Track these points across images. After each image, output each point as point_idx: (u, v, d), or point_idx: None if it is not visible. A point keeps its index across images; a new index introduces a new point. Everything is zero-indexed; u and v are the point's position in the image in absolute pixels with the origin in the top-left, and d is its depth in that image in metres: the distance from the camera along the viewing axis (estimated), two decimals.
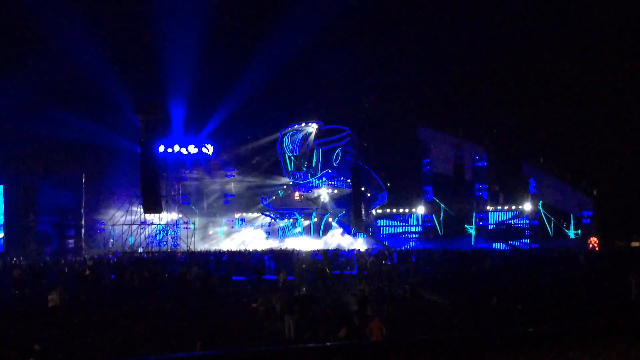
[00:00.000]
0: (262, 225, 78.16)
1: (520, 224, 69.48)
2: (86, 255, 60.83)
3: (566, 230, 68.22)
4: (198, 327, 23.82)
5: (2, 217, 65.42)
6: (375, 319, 19.33)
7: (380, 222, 75.40)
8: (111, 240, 71.33)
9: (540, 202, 68.50)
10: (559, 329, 3.34)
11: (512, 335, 3.45)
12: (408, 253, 53.66)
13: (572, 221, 68.19)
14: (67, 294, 27.28)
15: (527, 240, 67.56)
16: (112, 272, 45.26)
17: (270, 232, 76.95)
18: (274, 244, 70.19)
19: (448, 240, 66.85)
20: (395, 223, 75.24)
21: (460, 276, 41.79)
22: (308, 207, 74.64)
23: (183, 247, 69.52)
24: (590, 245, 61.89)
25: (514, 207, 70.28)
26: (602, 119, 62.96)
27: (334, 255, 52.77)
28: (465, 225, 71.47)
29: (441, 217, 72.53)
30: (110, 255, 58.42)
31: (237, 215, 78.94)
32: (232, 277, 42.03)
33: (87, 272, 40.07)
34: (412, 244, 70.43)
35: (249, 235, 76.87)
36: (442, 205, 72.37)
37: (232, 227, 78.56)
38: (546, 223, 68.81)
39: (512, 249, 64.20)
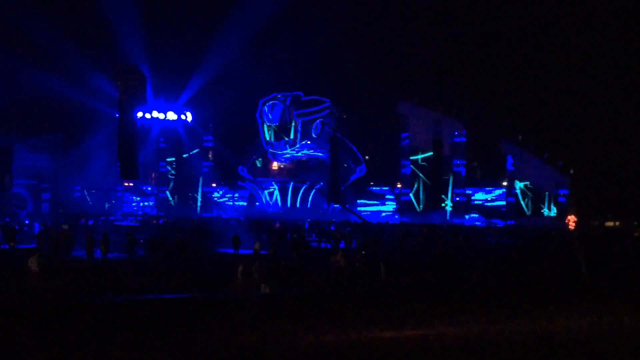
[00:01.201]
0: (239, 194, 77.97)
1: (496, 200, 69.68)
2: (60, 220, 60.49)
3: (543, 208, 68.60)
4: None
5: None
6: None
7: (357, 195, 75.25)
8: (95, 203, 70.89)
9: (517, 179, 68.78)
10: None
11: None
12: (381, 228, 53.83)
13: (547, 200, 68.55)
14: (44, 259, 26.82)
15: (503, 217, 67.75)
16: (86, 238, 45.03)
17: (248, 201, 76.84)
18: (250, 213, 70.07)
19: (424, 215, 67.05)
20: (372, 196, 75.14)
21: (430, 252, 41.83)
22: (286, 178, 74.59)
23: (160, 214, 69.30)
24: (569, 224, 62.30)
25: (490, 184, 70.47)
26: (581, 99, 63.23)
27: (310, 227, 52.90)
28: (442, 199, 71.52)
29: (420, 192, 72.57)
30: (84, 220, 58.09)
31: (215, 184, 78.66)
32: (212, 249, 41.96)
33: (61, 237, 39.89)
34: (384, 214, 70.59)
35: (225, 204, 76.74)
36: (420, 178, 72.37)
37: (210, 194, 78.31)
38: (521, 201, 69.17)
39: (487, 225, 64.41)
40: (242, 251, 38.46)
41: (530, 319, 3.23)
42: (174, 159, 78.79)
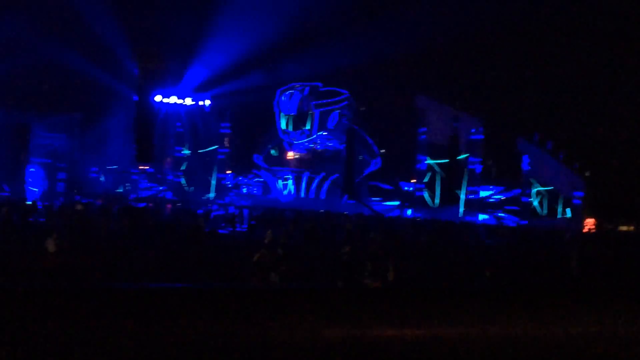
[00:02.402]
0: (254, 182, 78.10)
1: (510, 199, 69.34)
2: (76, 199, 60.83)
3: (558, 210, 68.27)
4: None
5: None
6: None
7: (372, 188, 75.07)
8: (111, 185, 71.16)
9: (532, 179, 68.46)
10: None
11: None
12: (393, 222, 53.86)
13: (561, 201, 68.18)
14: (62, 240, 26.41)
15: (516, 217, 67.46)
16: (101, 218, 45.27)
17: (263, 190, 76.96)
18: (264, 202, 70.25)
19: (438, 211, 66.93)
20: (386, 189, 74.95)
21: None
22: (301, 168, 74.65)
23: (174, 198, 69.57)
24: (587, 227, 62.17)
25: (505, 183, 70.11)
26: (601, 100, 62.88)
27: (325, 217, 52.95)
28: (457, 195, 71.24)
29: (436, 187, 72.38)
30: (100, 201, 58.40)
31: (230, 171, 78.76)
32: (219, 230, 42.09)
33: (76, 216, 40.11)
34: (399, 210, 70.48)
35: (240, 192, 76.93)
36: (436, 174, 72.19)
37: (224, 181, 78.47)
38: (535, 201, 68.92)
39: (499, 224, 64.22)
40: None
41: (536, 319, 3.24)
42: (189, 144, 79.01)
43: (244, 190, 77.73)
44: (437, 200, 71.76)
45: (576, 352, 3.21)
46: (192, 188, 76.56)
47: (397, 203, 72.95)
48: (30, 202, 48.88)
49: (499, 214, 67.82)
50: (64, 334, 2.89)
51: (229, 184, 78.20)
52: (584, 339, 3.27)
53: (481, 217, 67.44)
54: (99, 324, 2.96)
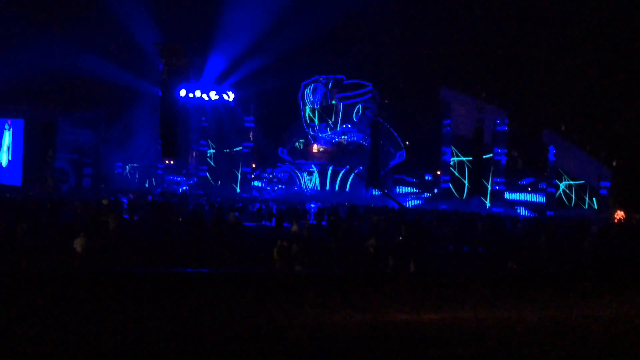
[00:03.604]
0: (279, 175, 78.24)
1: (537, 191, 68.85)
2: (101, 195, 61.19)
3: (585, 200, 67.70)
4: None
5: (15, 151, 66.00)
6: None
7: (397, 180, 74.88)
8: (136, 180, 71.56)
9: (558, 170, 67.95)
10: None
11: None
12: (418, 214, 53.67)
13: (587, 191, 67.61)
14: (91, 241, 25.70)
15: (543, 208, 67.02)
16: (126, 213, 45.56)
17: (287, 183, 77.08)
18: (289, 195, 70.34)
19: (465, 203, 66.70)
20: (411, 182, 74.76)
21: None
22: (325, 161, 74.67)
23: (199, 192, 69.81)
24: (617, 218, 61.65)
25: (531, 174, 69.60)
26: (626, 90, 62.29)
27: (349, 210, 52.85)
28: (483, 186, 70.91)
29: (461, 179, 72.10)
30: (129, 196, 58.64)
31: (254, 165, 78.93)
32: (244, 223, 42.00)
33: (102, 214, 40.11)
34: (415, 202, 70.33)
35: (265, 185, 77.16)
36: (463, 163, 71.89)
37: (249, 175, 78.67)
38: (562, 192, 68.40)
39: (525, 214, 63.91)
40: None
41: (545, 306, 3.22)
42: (214, 138, 79.33)
43: (269, 184, 77.93)
44: (464, 192, 71.45)
45: (582, 335, 3.20)
46: (218, 182, 76.83)
47: (422, 195, 72.83)
48: (57, 199, 49.03)
49: (525, 205, 67.45)
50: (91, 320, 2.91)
51: (254, 178, 78.41)
52: (591, 322, 3.26)
53: (507, 208, 67.10)
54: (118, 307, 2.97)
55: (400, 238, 35.06)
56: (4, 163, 66.78)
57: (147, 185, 72.31)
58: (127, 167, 73.16)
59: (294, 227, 37.03)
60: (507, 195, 69.33)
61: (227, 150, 79.34)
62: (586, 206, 66.76)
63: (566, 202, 67.90)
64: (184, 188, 73.30)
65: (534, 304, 2.91)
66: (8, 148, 66.59)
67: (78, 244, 23.86)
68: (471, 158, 70.40)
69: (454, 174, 71.80)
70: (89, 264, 23.64)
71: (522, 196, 68.85)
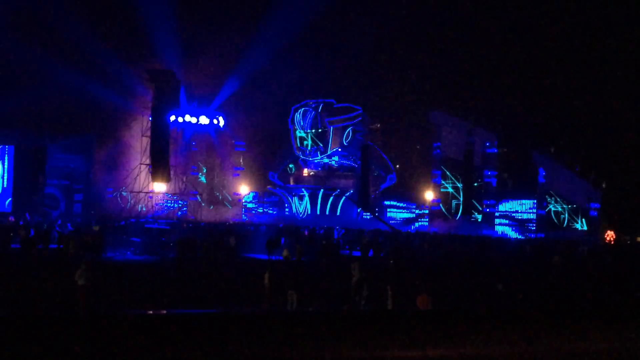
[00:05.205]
0: (269, 200, 78.31)
1: (527, 212, 69.05)
2: (92, 221, 61.01)
3: (575, 222, 67.89)
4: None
5: (7, 177, 65.75)
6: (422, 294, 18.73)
7: (387, 203, 74.98)
8: (127, 205, 71.26)
9: (548, 192, 68.19)
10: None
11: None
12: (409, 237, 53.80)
13: (577, 213, 67.81)
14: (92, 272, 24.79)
15: (533, 229, 67.22)
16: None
17: (277, 208, 77.11)
18: (280, 219, 70.24)
19: (456, 225, 66.77)
20: (402, 205, 74.86)
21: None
22: (316, 185, 74.73)
23: (190, 217, 69.70)
24: (608, 239, 61.89)
25: (522, 196, 69.82)
26: (614, 111, 62.76)
27: (341, 234, 52.90)
28: (472, 212, 71.28)
29: (450, 202, 72.37)
30: (117, 222, 58.45)
31: (245, 190, 78.86)
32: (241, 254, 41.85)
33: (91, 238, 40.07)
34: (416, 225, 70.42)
35: (254, 209, 77.21)
36: (449, 190, 72.25)
37: (240, 200, 78.65)
38: (552, 214, 68.60)
39: (515, 236, 64.06)
40: (274, 257, 38.56)
41: (555, 339, 3.27)
42: (205, 162, 79.40)
43: (260, 207, 77.98)
44: (458, 213, 71.64)
45: None
46: (211, 206, 76.72)
47: (413, 217, 72.99)
48: (45, 226, 48.80)
49: (515, 227, 67.63)
50: None
51: (245, 202, 78.44)
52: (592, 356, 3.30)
53: (498, 230, 67.31)
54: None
55: (392, 262, 35.06)
56: None
57: (139, 210, 72.19)
58: (117, 192, 72.94)
59: (285, 252, 37.11)
60: (497, 216, 69.55)
61: (218, 175, 79.35)
62: (579, 227, 66.91)
63: (557, 222, 68.09)
64: (176, 214, 73.12)
65: (543, 338, 2.88)
66: (2, 177, 66.24)
67: (80, 276, 22.67)
68: (460, 177, 70.84)
69: (444, 196, 72.03)
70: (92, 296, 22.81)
71: (513, 217, 68.98)
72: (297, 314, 3.03)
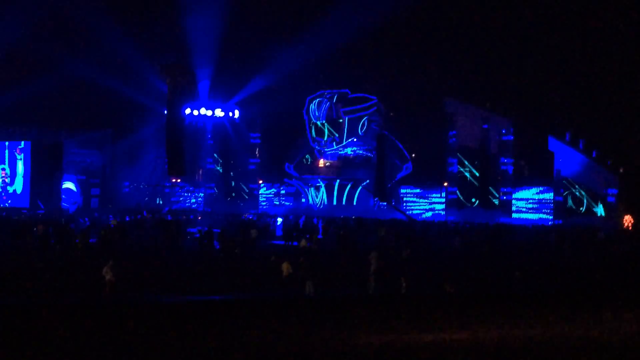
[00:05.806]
0: (286, 191, 78.34)
1: (544, 199, 68.66)
2: (110, 215, 61.25)
3: (593, 208, 67.43)
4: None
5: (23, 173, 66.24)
6: None
7: (404, 192, 74.68)
8: (144, 200, 71.50)
9: (565, 178, 67.77)
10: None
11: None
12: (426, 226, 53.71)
13: (595, 199, 67.35)
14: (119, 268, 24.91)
15: (551, 216, 66.84)
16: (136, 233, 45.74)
17: (294, 198, 77.18)
18: (297, 210, 70.28)
19: (472, 213, 66.58)
20: (418, 192, 74.48)
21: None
22: (332, 175, 74.65)
23: (206, 209, 69.83)
24: (626, 224, 61.43)
25: (538, 182, 69.38)
26: (631, 95, 62.32)
27: (356, 224, 52.89)
28: (489, 198, 70.93)
29: (469, 190, 72.01)
30: (138, 216, 58.69)
31: (261, 181, 78.97)
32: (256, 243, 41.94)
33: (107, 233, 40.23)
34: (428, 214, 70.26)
35: (272, 201, 77.30)
36: (467, 176, 71.89)
37: (256, 192, 78.76)
38: (570, 200, 68.20)
39: (533, 223, 63.70)
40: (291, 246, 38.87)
41: (571, 324, 3.28)
42: (221, 155, 79.56)
43: (276, 199, 78.07)
44: (474, 201, 71.38)
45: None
46: (228, 199, 76.94)
47: (430, 206, 72.75)
48: (64, 220, 48.98)
49: (533, 214, 67.36)
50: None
51: (261, 194, 78.55)
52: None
53: (515, 217, 67.06)
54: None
55: (409, 251, 34.94)
56: (19, 190, 66.86)
57: (157, 203, 72.41)
58: (134, 186, 73.20)
59: (302, 242, 37.20)
60: (514, 203, 69.27)
61: (234, 167, 79.56)
62: (598, 213, 66.42)
63: (574, 208, 67.73)
64: (193, 206, 73.34)
65: (561, 322, 2.89)
66: (22, 176, 66.60)
67: (108, 272, 23.41)
68: (476, 164, 70.66)
69: (461, 184, 71.73)
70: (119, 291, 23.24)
71: (530, 204, 68.67)
72: (314, 300, 3.08)
